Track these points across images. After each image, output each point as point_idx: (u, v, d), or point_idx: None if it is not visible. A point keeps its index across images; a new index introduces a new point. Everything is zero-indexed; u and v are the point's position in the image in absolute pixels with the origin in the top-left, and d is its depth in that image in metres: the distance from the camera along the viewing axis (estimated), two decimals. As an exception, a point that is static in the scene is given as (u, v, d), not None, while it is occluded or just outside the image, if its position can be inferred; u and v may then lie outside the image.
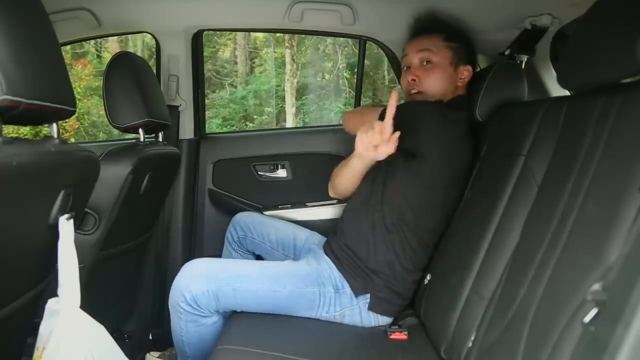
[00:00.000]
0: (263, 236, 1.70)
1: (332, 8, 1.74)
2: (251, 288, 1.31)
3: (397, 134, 1.17)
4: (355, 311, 1.37)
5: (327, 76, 9.30)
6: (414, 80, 1.48)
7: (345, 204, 1.93)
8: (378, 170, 1.45)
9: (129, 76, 1.41)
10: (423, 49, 1.47)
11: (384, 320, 1.40)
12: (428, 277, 1.39)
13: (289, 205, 1.98)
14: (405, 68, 1.54)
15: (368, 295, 1.37)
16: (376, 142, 1.18)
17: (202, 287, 1.26)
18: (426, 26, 1.55)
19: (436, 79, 1.46)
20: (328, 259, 1.43)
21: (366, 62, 2.06)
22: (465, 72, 1.49)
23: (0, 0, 0.72)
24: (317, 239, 1.66)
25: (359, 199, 1.49)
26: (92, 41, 7.70)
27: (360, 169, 1.41)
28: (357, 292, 1.37)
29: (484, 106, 1.45)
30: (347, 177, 1.50)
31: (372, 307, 1.37)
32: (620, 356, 0.56)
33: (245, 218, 1.73)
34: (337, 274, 1.39)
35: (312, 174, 2.00)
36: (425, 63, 1.48)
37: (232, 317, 1.34)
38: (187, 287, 1.27)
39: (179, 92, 1.88)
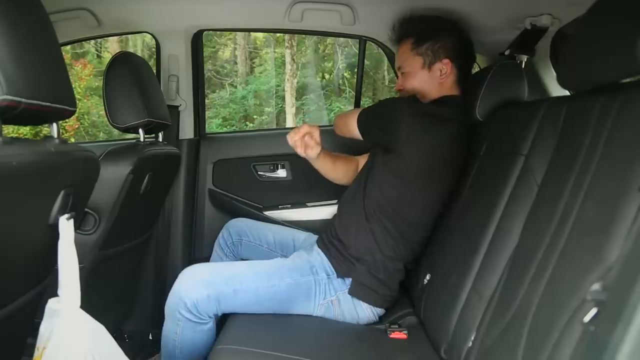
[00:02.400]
0: (260, 238, 1.72)
1: (332, 8, 1.74)
2: (251, 287, 1.32)
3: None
4: (348, 295, 1.40)
5: (327, 76, 9.30)
6: (400, 90, 1.58)
7: None
8: (365, 165, 1.56)
9: (129, 76, 1.41)
10: (398, 65, 1.58)
11: (377, 311, 1.42)
12: (428, 276, 1.39)
13: (289, 205, 1.98)
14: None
15: (349, 280, 1.41)
16: (299, 144, 1.47)
17: (202, 292, 1.27)
18: (397, 34, 1.60)
19: (413, 85, 1.54)
20: (319, 250, 1.48)
21: (366, 62, 2.06)
22: (444, 66, 1.50)
23: (0, 0, 0.72)
24: (315, 239, 1.67)
25: (349, 191, 1.57)
26: (92, 41, 7.70)
27: (315, 164, 1.62)
28: (340, 274, 1.41)
29: (484, 105, 1.45)
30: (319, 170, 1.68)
31: (353, 292, 1.40)
32: (620, 356, 0.56)
33: (239, 223, 1.76)
34: (327, 261, 1.43)
35: (312, 174, 1.99)
36: (402, 73, 1.57)
37: (232, 317, 1.34)
38: (188, 294, 1.27)
39: (179, 92, 1.88)
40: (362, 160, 1.68)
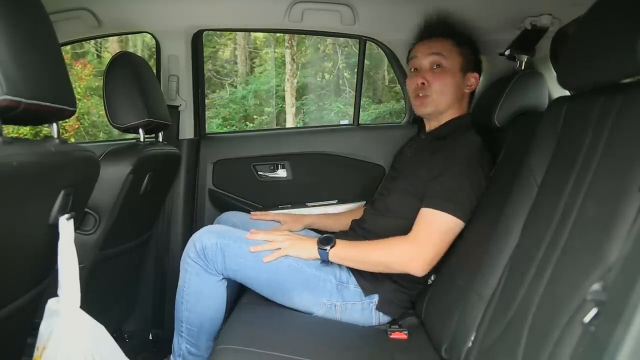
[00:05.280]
0: None
1: (332, 8, 1.74)
2: (256, 252, 1.35)
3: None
4: (357, 307, 1.39)
5: (327, 76, 9.30)
6: (423, 83, 1.48)
7: (350, 204, 1.92)
8: (396, 182, 1.50)
9: (129, 76, 1.41)
10: (434, 52, 1.47)
11: (384, 319, 1.41)
12: (432, 277, 1.39)
13: (289, 205, 1.98)
14: (412, 70, 1.54)
15: (376, 296, 1.39)
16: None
17: (212, 240, 1.33)
18: (437, 28, 1.55)
19: (446, 84, 1.46)
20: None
21: (366, 62, 2.06)
22: (472, 79, 1.50)
23: (0, 0, 0.72)
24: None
25: (377, 208, 1.52)
26: (92, 41, 7.70)
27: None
28: (366, 292, 1.39)
29: (503, 112, 1.45)
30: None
31: (380, 307, 1.39)
32: (620, 356, 0.56)
33: (232, 218, 1.72)
34: (345, 270, 1.40)
35: (312, 174, 2.00)
36: (435, 67, 1.47)
37: (233, 315, 1.34)
38: (200, 239, 1.34)
39: (179, 92, 1.88)
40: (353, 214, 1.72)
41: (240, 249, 1.34)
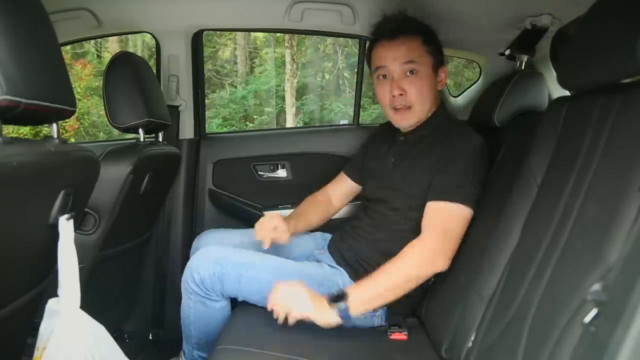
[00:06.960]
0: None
1: (332, 8, 1.75)
2: (256, 277, 1.33)
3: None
4: (361, 317, 1.36)
5: (327, 76, 9.30)
6: (401, 94, 1.38)
7: (349, 204, 1.92)
8: (396, 195, 1.40)
9: (129, 76, 1.41)
10: (408, 60, 1.36)
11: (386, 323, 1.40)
12: (432, 277, 1.38)
13: (289, 205, 1.98)
14: (381, 77, 1.42)
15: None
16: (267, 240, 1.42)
17: (209, 269, 1.31)
18: (402, 27, 1.40)
19: (423, 90, 1.38)
20: (342, 271, 1.41)
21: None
22: (442, 74, 1.44)
23: (0, 0, 0.72)
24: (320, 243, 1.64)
25: (374, 219, 1.44)
26: (92, 41, 7.70)
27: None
28: None
29: (502, 112, 1.45)
30: None
31: (383, 314, 1.37)
32: (620, 357, 0.56)
33: (207, 238, 1.57)
34: (348, 281, 1.38)
35: (312, 174, 2.00)
36: (408, 73, 1.37)
37: (232, 316, 1.34)
38: (197, 269, 1.32)
39: (179, 92, 1.88)
40: (337, 184, 1.68)
41: (239, 276, 1.32)
